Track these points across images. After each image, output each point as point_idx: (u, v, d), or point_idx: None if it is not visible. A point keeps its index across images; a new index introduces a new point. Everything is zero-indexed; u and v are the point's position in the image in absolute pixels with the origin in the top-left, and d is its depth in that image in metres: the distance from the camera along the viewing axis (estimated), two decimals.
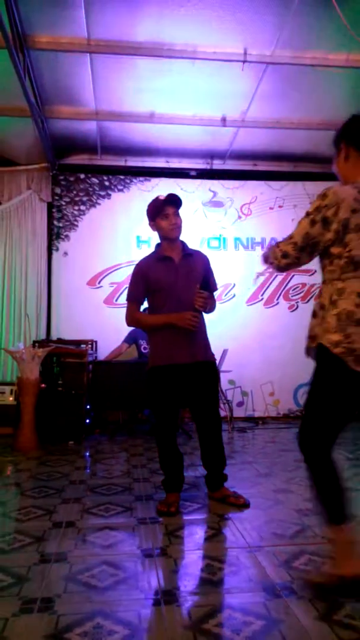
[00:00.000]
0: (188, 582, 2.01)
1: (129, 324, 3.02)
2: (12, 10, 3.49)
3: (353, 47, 3.83)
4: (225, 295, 6.00)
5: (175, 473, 2.89)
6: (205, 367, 2.90)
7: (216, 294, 3.09)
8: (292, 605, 1.77)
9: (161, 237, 2.94)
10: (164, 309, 2.84)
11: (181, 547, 2.36)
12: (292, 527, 2.52)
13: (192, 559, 2.24)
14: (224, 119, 5.15)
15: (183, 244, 2.98)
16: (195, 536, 2.53)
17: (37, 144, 5.40)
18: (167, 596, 1.86)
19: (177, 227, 2.88)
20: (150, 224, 2.95)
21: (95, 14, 3.65)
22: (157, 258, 2.93)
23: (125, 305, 2.97)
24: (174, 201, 2.86)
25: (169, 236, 2.88)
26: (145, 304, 3.03)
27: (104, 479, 3.48)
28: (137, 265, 2.97)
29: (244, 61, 4.08)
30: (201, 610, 1.76)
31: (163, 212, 2.84)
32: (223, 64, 4.16)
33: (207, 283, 2.87)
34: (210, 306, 2.89)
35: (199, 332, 2.87)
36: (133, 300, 2.93)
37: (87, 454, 4.38)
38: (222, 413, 5.55)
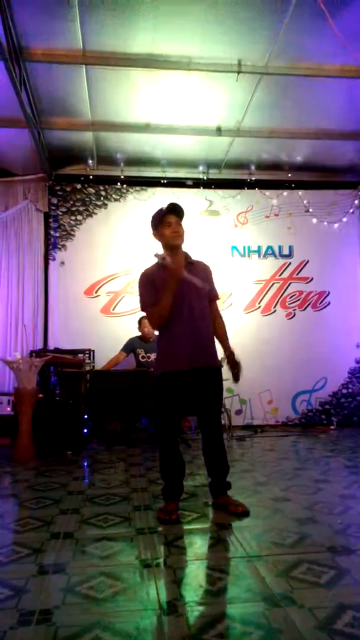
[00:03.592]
0: (187, 592, 1.99)
1: (157, 327, 2.94)
2: (8, 22, 3.52)
3: (347, 57, 3.87)
4: (223, 303, 6.00)
5: (176, 481, 2.88)
6: (208, 373, 2.90)
7: (218, 303, 3.14)
8: (292, 614, 1.76)
9: (164, 246, 2.96)
10: (170, 318, 2.84)
11: (180, 557, 2.34)
12: (291, 536, 2.51)
13: (192, 569, 2.23)
14: (219, 129, 5.18)
15: (186, 253, 3.00)
16: (194, 546, 2.51)
17: (33, 155, 5.42)
18: (167, 607, 1.84)
19: (179, 235, 2.90)
20: (153, 234, 2.98)
21: (91, 25, 3.68)
22: (160, 267, 2.94)
23: (141, 315, 2.99)
24: (176, 210, 2.91)
25: (172, 243, 2.90)
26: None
27: (102, 489, 3.46)
28: (143, 274, 2.98)
29: (239, 72, 4.12)
30: (201, 621, 1.74)
31: (165, 220, 2.88)
32: (218, 74, 4.20)
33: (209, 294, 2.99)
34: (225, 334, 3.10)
35: (204, 339, 2.89)
36: (150, 305, 2.88)
37: (85, 464, 4.36)
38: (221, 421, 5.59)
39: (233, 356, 3.01)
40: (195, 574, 2.18)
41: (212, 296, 3.04)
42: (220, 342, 3.05)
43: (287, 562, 2.20)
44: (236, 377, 3.02)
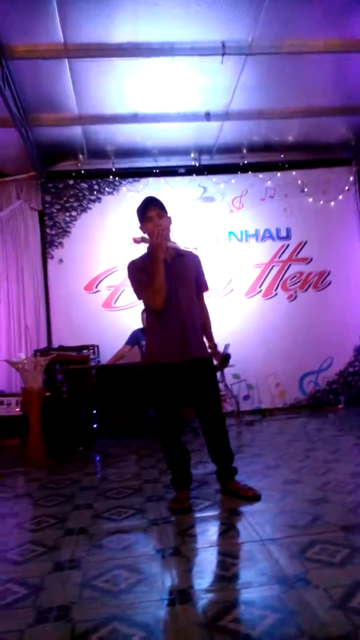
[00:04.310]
0: (202, 580, 2.00)
1: (158, 306, 2.80)
2: None
3: (330, 32, 3.80)
4: (224, 289, 5.98)
5: (182, 470, 2.90)
6: (201, 364, 2.90)
7: (208, 294, 3.13)
8: (307, 596, 1.77)
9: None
10: (160, 310, 2.83)
11: (194, 545, 2.36)
12: (304, 517, 2.52)
13: (206, 557, 2.24)
14: (207, 114, 5.11)
15: (175, 244, 2.98)
16: (207, 533, 2.53)
17: (23, 154, 5.38)
18: (182, 596, 1.86)
19: (162, 228, 2.86)
20: (140, 228, 2.96)
21: (71, 18, 3.63)
22: (147, 255, 2.93)
23: (136, 302, 3.00)
24: (153, 202, 2.89)
25: (156, 242, 2.87)
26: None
27: (114, 482, 3.48)
28: (130, 263, 2.96)
29: (223, 54, 4.06)
30: (216, 607, 1.76)
31: (146, 215, 2.87)
32: (202, 58, 4.13)
33: (199, 285, 3.00)
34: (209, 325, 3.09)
35: (192, 330, 2.88)
36: (144, 287, 2.83)
37: (97, 458, 4.39)
38: (229, 408, 5.60)
39: (216, 348, 3.10)
40: (210, 561, 2.20)
41: (201, 287, 3.03)
42: (205, 334, 3.04)
43: (301, 543, 2.21)
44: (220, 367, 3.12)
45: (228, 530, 2.51)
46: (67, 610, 1.80)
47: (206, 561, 2.20)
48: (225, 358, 3.19)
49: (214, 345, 3.09)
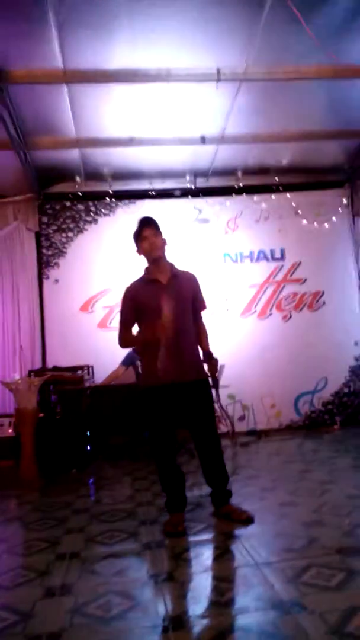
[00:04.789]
0: (197, 605, 1.96)
1: (121, 346, 3.08)
2: None
3: (322, 58, 3.89)
4: (219, 310, 6.00)
5: (177, 493, 2.86)
6: (196, 386, 2.89)
7: (205, 312, 3.12)
8: (303, 621, 1.73)
9: (147, 260, 2.97)
10: (154, 330, 2.83)
11: (188, 570, 2.32)
12: (299, 540, 2.48)
13: (200, 582, 2.20)
14: (203, 138, 5.21)
15: (171, 265, 3.00)
16: (202, 557, 2.49)
17: (21, 176, 5.45)
18: (176, 622, 1.82)
19: (157, 247, 2.90)
20: (137, 252, 3.00)
21: (69, 44, 3.71)
22: (145, 281, 2.96)
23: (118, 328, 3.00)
24: (147, 222, 2.94)
25: (152, 256, 2.92)
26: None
27: (108, 505, 3.43)
28: (126, 289, 3.00)
29: (218, 80, 4.15)
30: (210, 634, 1.72)
31: (142, 235, 2.91)
32: (198, 84, 4.22)
33: (196, 304, 3.00)
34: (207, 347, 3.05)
35: (188, 352, 2.88)
36: (123, 323, 2.98)
37: (90, 481, 4.33)
38: (224, 429, 5.56)
39: (211, 356, 3.02)
40: (204, 586, 2.15)
41: (198, 306, 3.03)
42: (200, 345, 3.03)
43: (296, 567, 2.17)
44: (214, 381, 3.05)
45: (223, 554, 2.47)
46: (58, 638, 1.76)
47: (200, 586, 2.16)
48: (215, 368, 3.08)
49: (209, 354, 3.02)
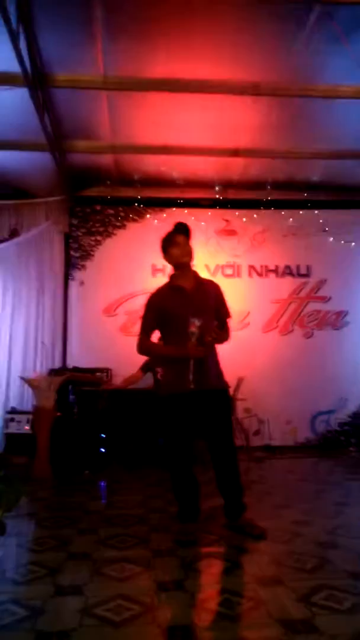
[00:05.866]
0: (205, 617, 1.95)
1: (140, 353, 3.06)
2: (33, 51, 3.65)
3: None
4: (241, 323, 5.99)
5: (191, 502, 2.86)
6: (216, 396, 2.88)
7: (230, 321, 3.11)
8: None
9: (174, 265, 2.99)
10: (177, 338, 2.84)
11: (198, 580, 2.31)
12: (312, 560, 2.45)
13: (209, 593, 2.19)
14: (235, 150, 5.24)
15: (195, 273, 3.02)
16: (212, 569, 2.48)
17: (55, 178, 5.55)
18: (184, 632, 1.81)
19: (187, 253, 2.92)
20: (163, 257, 3.01)
21: (111, 52, 3.80)
22: (170, 288, 2.97)
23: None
24: (182, 229, 2.95)
25: (181, 261, 2.93)
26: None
27: (120, 509, 3.44)
28: (151, 295, 3.01)
29: (254, 94, 4.18)
30: None
31: (174, 240, 2.92)
32: (235, 97, 4.26)
33: (220, 313, 2.94)
34: (220, 340, 2.93)
35: (210, 361, 2.88)
36: (145, 330, 2.98)
37: (103, 483, 4.35)
38: (238, 442, 5.52)
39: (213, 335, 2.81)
40: (214, 598, 2.14)
41: (223, 315, 3.01)
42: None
43: (308, 587, 2.14)
44: (209, 339, 2.79)
45: (234, 568, 2.46)
46: (67, 637, 1.76)
47: (210, 598, 2.15)
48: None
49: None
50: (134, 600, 2.05)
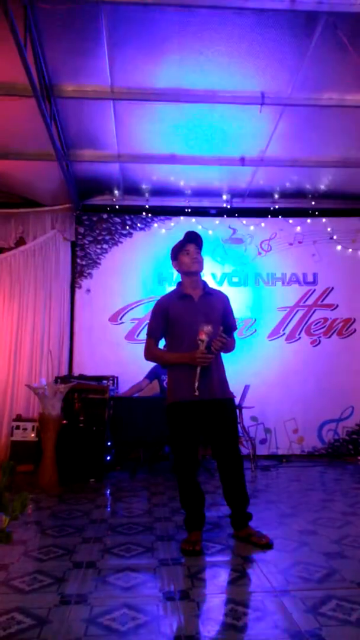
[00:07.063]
0: (211, 627, 1.93)
1: (147, 359, 3.04)
2: (40, 61, 3.69)
3: None
4: (247, 330, 5.99)
5: (196, 511, 2.84)
6: (223, 405, 2.88)
7: (235, 333, 3.11)
8: None
9: (182, 273, 3.00)
10: (183, 347, 2.85)
11: (204, 590, 2.29)
12: (319, 570, 2.43)
13: (215, 603, 2.17)
14: (242, 159, 5.27)
15: (204, 282, 3.02)
16: (218, 579, 2.45)
17: (62, 186, 5.59)
18: None
19: (198, 262, 2.93)
20: (173, 264, 3.03)
21: (118, 62, 3.83)
22: (178, 296, 2.97)
23: (145, 340, 3.01)
24: (194, 238, 2.96)
25: (190, 270, 2.94)
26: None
27: (125, 517, 3.42)
28: (158, 301, 3.02)
29: (262, 104, 4.21)
30: None
31: (185, 248, 2.93)
32: (242, 106, 4.29)
33: (227, 324, 2.93)
34: (227, 348, 2.92)
35: (216, 370, 2.87)
36: (152, 336, 2.97)
37: (108, 492, 4.33)
38: (245, 451, 5.50)
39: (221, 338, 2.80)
40: (219, 608, 2.12)
41: (229, 327, 3.00)
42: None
43: (315, 597, 2.12)
44: (216, 347, 2.79)
45: (240, 578, 2.43)
46: None
47: (216, 608, 2.12)
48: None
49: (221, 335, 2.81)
50: (139, 610, 2.03)
